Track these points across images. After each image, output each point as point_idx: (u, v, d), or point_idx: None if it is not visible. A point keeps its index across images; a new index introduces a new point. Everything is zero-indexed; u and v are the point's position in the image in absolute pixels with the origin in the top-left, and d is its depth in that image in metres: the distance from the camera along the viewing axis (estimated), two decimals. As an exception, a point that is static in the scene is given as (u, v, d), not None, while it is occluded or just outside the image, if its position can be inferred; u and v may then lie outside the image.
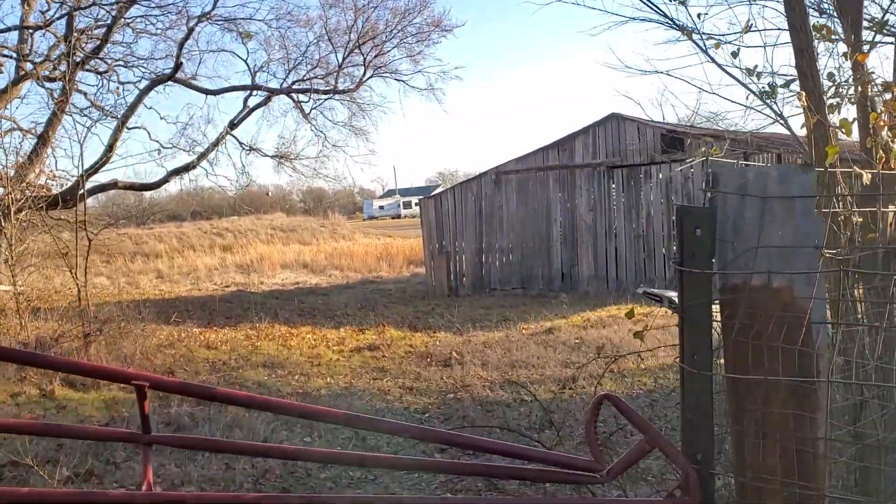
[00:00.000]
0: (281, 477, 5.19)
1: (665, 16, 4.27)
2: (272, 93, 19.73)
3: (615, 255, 17.39)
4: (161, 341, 11.05)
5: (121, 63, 18.06)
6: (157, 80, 17.95)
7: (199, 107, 41.03)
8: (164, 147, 18.48)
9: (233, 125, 19.27)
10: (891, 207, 2.90)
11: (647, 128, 16.92)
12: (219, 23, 18.67)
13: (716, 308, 2.22)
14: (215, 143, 18.94)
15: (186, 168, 18.77)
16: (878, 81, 3.97)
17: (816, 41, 3.23)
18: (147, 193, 29.79)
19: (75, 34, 16.08)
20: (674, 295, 2.66)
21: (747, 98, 3.86)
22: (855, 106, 3.74)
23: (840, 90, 3.67)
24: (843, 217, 2.90)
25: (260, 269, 25.69)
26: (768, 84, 3.36)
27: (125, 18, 17.13)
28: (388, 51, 20.28)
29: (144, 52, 21.65)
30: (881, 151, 3.12)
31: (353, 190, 72.05)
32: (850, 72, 3.57)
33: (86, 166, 14.99)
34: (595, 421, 2.21)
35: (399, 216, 69.27)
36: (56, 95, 15.86)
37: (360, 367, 9.91)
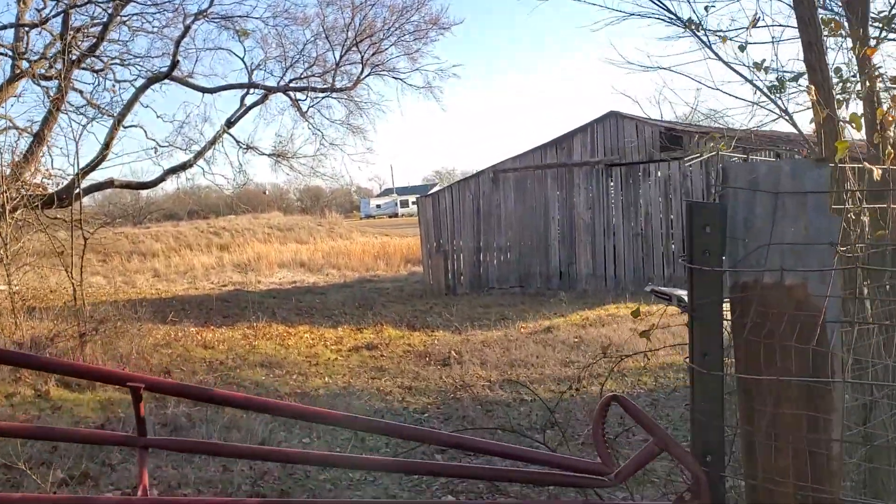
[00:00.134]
0: (279, 479, 5.12)
1: (668, 10, 4.21)
2: (269, 91, 19.65)
3: (613, 254, 17.35)
4: (157, 341, 10.97)
5: (117, 61, 17.98)
6: (154, 79, 17.85)
7: (196, 105, 40.87)
8: (160, 145, 18.43)
9: (230, 123, 19.19)
10: (901, 204, 2.85)
11: (645, 126, 16.87)
12: (215, 20, 18.60)
13: (725, 307, 2.16)
14: (212, 142, 18.87)
15: (183, 167, 18.69)
16: (887, 76, 3.92)
17: (825, 36, 3.17)
18: (144, 192, 29.68)
19: (71, 32, 16.00)
20: (683, 293, 2.62)
21: (755, 94, 3.80)
22: (862, 101, 3.69)
23: (847, 86, 3.62)
24: (851, 214, 2.84)
25: (257, 268, 25.62)
26: (777, 78, 3.30)
27: (121, 16, 17.04)
28: (386, 49, 20.21)
29: (141, 50, 21.53)
30: (889, 147, 3.06)
31: (351, 189, 72.01)
32: (857, 67, 3.52)
33: (82, 165, 14.98)
34: (603, 422, 2.15)
35: (396, 215, 69.20)
36: (52, 94, 15.77)
37: (358, 367, 9.84)
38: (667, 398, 7.34)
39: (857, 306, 2.83)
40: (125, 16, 17.26)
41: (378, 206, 74.19)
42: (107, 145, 16.46)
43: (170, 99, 78.60)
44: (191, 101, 51.77)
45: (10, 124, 15.70)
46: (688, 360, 2.27)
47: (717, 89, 4.34)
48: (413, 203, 56.13)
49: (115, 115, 17.06)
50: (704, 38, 4.43)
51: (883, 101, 3.97)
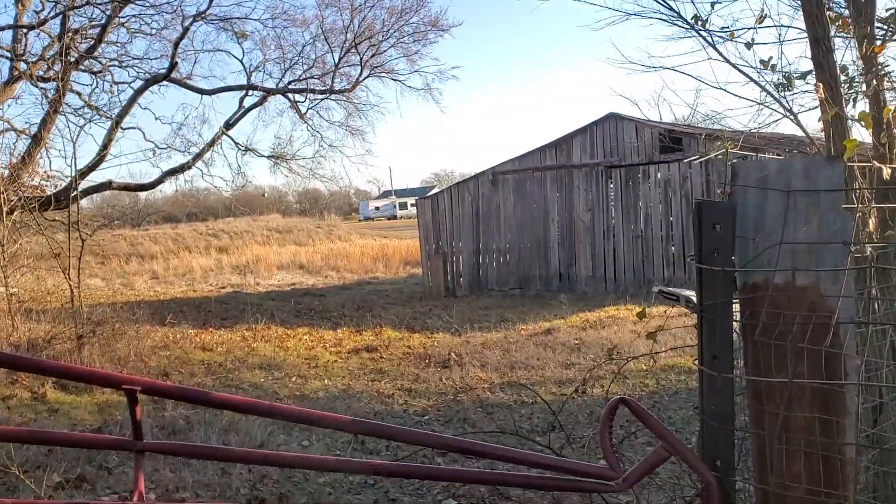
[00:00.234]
0: (278, 482, 5.06)
1: (671, 9, 4.16)
2: (268, 93, 19.59)
3: (613, 256, 17.31)
4: (156, 343, 10.91)
5: (115, 63, 17.92)
6: (152, 80, 17.79)
7: (195, 107, 40.92)
8: (159, 147, 18.36)
9: (228, 125, 19.14)
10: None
11: (644, 127, 16.84)
12: (214, 22, 18.54)
13: (734, 307, 2.12)
14: (211, 144, 18.80)
15: (182, 168, 18.63)
16: (894, 75, 3.87)
17: (832, 35, 3.12)
18: (142, 194, 29.60)
19: (69, 34, 15.95)
20: (691, 294, 2.57)
21: (761, 94, 3.75)
22: (868, 101, 3.64)
23: (853, 84, 3.57)
24: (860, 213, 2.80)
25: (256, 270, 25.58)
26: (784, 76, 3.26)
27: (119, 18, 16.99)
28: (385, 50, 20.15)
29: (139, 51, 21.54)
30: (896, 147, 3.03)
31: (350, 191, 71.90)
32: (863, 66, 3.47)
33: (80, 167, 14.92)
34: (610, 426, 2.11)
35: (395, 217, 69.21)
36: (50, 95, 15.72)
37: (357, 369, 9.79)
38: (669, 400, 7.29)
39: (866, 307, 2.79)
40: (123, 17, 17.23)
41: (377, 209, 74.18)
42: (105, 147, 16.41)
43: (168, 101, 78.65)
44: (189, 103, 51.49)
45: (9, 126, 15.66)
46: (696, 362, 2.23)
47: (722, 88, 4.28)
48: (412, 205, 56.13)
49: (113, 116, 17.01)
50: (708, 37, 4.38)
51: (889, 100, 3.92)
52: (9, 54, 15.61)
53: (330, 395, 8.29)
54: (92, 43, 16.79)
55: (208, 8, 17.91)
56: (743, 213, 2.04)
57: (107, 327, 9.76)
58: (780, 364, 1.99)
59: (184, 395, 2.20)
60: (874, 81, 3.49)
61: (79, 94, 17.37)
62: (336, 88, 19.82)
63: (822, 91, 2.92)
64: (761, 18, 3.48)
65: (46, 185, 14.58)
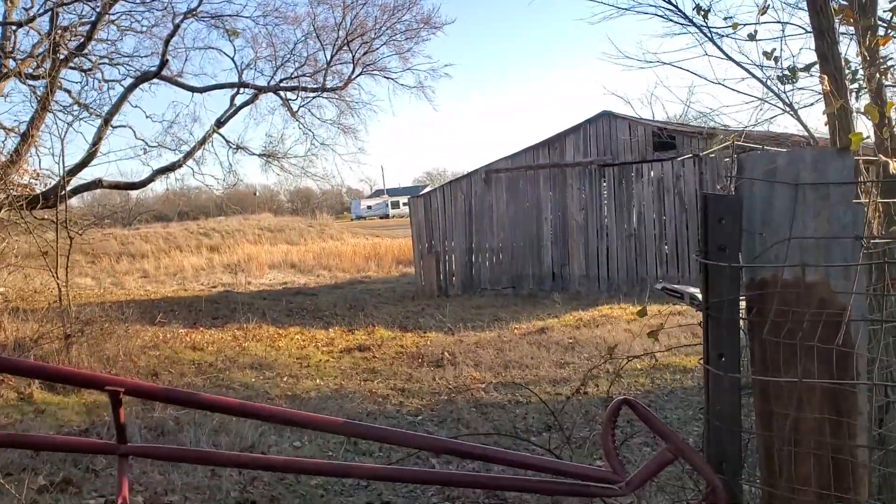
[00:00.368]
0: (269, 485, 4.96)
1: (671, 3, 4.10)
2: (259, 90, 19.47)
3: (606, 255, 17.27)
4: (145, 343, 10.79)
5: (105, 60, 17.78)
6: (143, 78, 17.66)
7: (186, 105, 40.77)
8: (149, 146, 18.22)
9: (219, 123, 19.00)
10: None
11: (638, 125, 16.80)
12: (205, 19, 18.42)
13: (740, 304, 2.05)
14: (202, 142, 18.67)
15: (172, 167, 18.48)
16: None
17: (837, 23, 3.06)
18: (133, 193, 29.45)
19: (59, 31, 15.79)
20: (695, 291, 2.50)
21: (763, 91, 3.69)
22: (867, 95, 3.58)
23: (856, 77, 3.51)
24: (867, 208, 2.73)
25: (247, 269, 25.47)
26: (788, 68, 3.19)
27: (109, 15, 16.83)
28: (377, 48, 20.06)
29: (129, 49, 21.36)
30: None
31: (342, 190, 71.85)
32: (865, 59, 3.41)
33: (69, 164, 14.80)
34: (613, 428, 2.04)
35: (387, 216, 69.12)
36: (39, 93, 15.57)
37: (350, 369, 9.69)
38: (665, 400, 7.23)
39: (874, 304, 2.72)
40: (114, 14, 17.07)
41: (369, 208, 74.09)
42: (95, 145, 16.27)
43: (159, 98, 78.34)
44: (180, 101, 51.68)
45: (-2, 124, 15.49)
46: (702, 361, 2.16)
47: (720, 83, 4.22)
48: (404, 204, 56.08)
49: (103, 114, 16.87)
50: (706, 31, 4.32)
51: (889, 95, 3.86)
52: (-2, 51, 15.47)
53: (322, 395, 8.20)
54: (82, 40, 16.63)
55: (199, 5, 17.80)
56: (750, 208, 1.98)
57: (95, 327, 9.64)
58: (788, 363, 1.92)
59: (169, 397, 2.11)
60: (878, 74, 3.42)
61: (68, 91, 17.26)
62: (328, 86, 19.72)
63: (826, 83, 2.86)
64: (764, 10, 3.42)
65: (36, 184, 14.46)
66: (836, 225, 1.90)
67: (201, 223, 38.85)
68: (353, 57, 19.56)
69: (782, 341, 1.94)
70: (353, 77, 19.91)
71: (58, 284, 9.76)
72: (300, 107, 20.16)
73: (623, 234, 17.05)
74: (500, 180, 18.58)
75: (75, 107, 16.77)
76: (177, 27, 17.65)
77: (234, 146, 19.70)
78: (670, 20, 5.53)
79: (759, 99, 4.07)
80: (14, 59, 15.82)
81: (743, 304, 2.05)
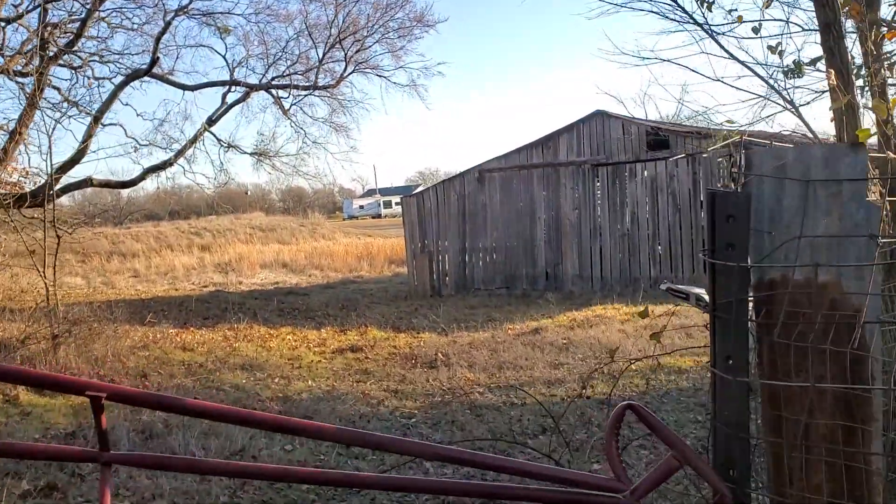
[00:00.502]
0: (260, 489, 4.86)
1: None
2: (251, 89, 19.36)
3: (600, 255, 17.21)
4: (135, 343, 10.66)
5: (95, 58, 17.65)
6: (133, 76, 17.52)
7: (177, 103, 40.77)
8: (140, 144, 18.09)
9: (211, 122, 18.88)
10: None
11: (631, 125, 16.76)
12: (196, 17, 18.31)
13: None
14: (193, 140, 18.54)
15: (163, 165, 18.34)
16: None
17: (843, 17, 2.98)
18: (124, 192, 29.30)
19: (48, 28, 15.64)
20: (701, 291, 2.43)
21: (764, 88, 3.62)
22: (871, 91, 3.51)
23: (860, 73, 3.44)
24: (884, 206, 2.67)
25: (238, 268, 25.34)
26: (794, 62, 3.12)
27: (99, 12, 16.69)
28: (370, 46, 19.97)
29: (120, 46, 21.23)
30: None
31: (333, 189, 71.79)
32: (863, 56, 3.35)
33: (58, 162, 14.65)
34: (617, 434, 1.96)
35: (379, 216, 69.03)
36: (28, 90, 15.41)
37: (342, 370, 9.59)
38: (660, 401, 7.16)
39: (885, 305, 2.65)
40: (104, 11, 16.95)
41: (361, 207, 73.97)
42: (84, 143, 16.12)
43: (150, 96, 78.02)
44: (171, 99, 51.39)
45: (-14, 121, 15.32)
46: (709, 364, 2.08)
47: (720, 80, 4.15)
48: (396, 204, 56.00)
49: (93, 112, 16.73)
50: (707, 28, 4.24)
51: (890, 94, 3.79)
52: (-14, 48, 15.31)
53: (314, 396, 8.09)
54: (71, 37, 16.48)
55: (190, 2, 17.70)
56: (758, 205, 1.90)
57: (83, 327, 9.51)
58: (800, 366, 1.84)
59: (153, 402, 2.02)
60: (882, 70, 3.36)
61: (58, 89, 17.11)
62: (320, 84, 19.63)
63: (833, 78, 2.79)
64: (768, 2, 3.34)
65: (25, 182, 14.31)
66: (849, 223, 1.82)
67: (192, 222, 38.69)
68: (346, 55, 19.50)
69: (793, 344, 1.87)
70: (345, 75, 19.85)
71: (45, 284, 9.62)
72: (292, 105, 20.08)
73: (616, 233, 17.00)
74: (493, 180, 18.50)
75: (65, 104, 16.62)
76: (168, 24, 17.54)
77: (225, 145, 19.61)
78: (667, 17, 5.46)
79: (760, 96, 4.01)
80: (2, 56, 15.66)
81: (750, 305, 1.99)
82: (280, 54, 19.43)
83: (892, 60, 3.43)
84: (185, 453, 5.51)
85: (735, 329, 1.95)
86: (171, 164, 18.31)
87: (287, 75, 19.57)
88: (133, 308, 14.80)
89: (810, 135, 4.10)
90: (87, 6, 16.14)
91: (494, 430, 6.38)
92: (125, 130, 18.76)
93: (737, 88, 4.64)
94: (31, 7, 15.90)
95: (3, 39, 15.95)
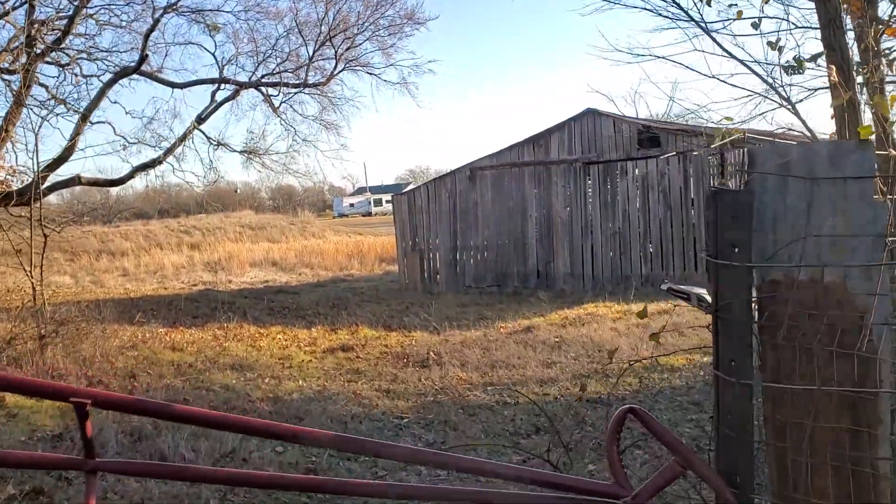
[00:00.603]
0: (251, 492, 4.79)
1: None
2: (241, 86, 19.24)
3: (591, 253, 17.20)
4: (123, 343, 10.56)
5: (83, 55, 17.49)
6: (122, 73, 17.37)
7: (166, 101, 40.51)
8: (129, 142, 17.95)
9: (200, 120, 18.75)
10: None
11: (622, 123, 16.74)
12: (186, 14, 18.19)
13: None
14: (182, 138, 18.41)
15: (153, 164, 18.20)
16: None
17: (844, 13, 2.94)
18: (113, 191, 29.15)
19: (35, 25, 15.48)
20: (702, 291, 2.38)
21: (765, 88, 3.58)
22: (867, 88, 3.47)
23: (858, 70, 3.41)
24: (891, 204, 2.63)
25: (228, 267, 25.21)
26: (794, 58, 3.08)
27: (87, 9, 16.55)
28: (360, 44, 19.86)
29: (108, 44, 21.06)
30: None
31: (324, 187, 71.65)
32: (871, 51, 3.31)
33: (46, 160, 14.50)
34: (618, 440, 1.92)
35: (370, 214, 68.90)
36: (15, 88, 15.25)
37: (333, 369, 9.51)
38: (653, 400, 7.13)
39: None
40: (92, 8, 16.79)
41: (351, 205, 73.84)
42: (72, 141, 15.98)
43: (139, 94, 77.59)
44: (160, 97, 50.95)
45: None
46: (713, 366, 2.04)
47: (716, 78, 4.11)
48: (387, 202, 55.92)
49: (81, 110, 16.59)
50: (703, 25, 4.20)
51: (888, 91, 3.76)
52: (-29, 45, 15.14)
53: (305, 396, 8.02)
54: (59, 35, 16.33)
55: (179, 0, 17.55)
56: (761, 204, 1.85)
57: (71, 327, 9.40)
58: (804, 369, 1.80)
59: (141, 408, 1.96)
60: (882, 66, 3.32)
61: (45, 86, 16.95)
62: (310, 82, 19.52)
63: (834, 74, 2.74)
64: (766, -1, 3.30)
65: (12, 180, 14.16)
66: (856, 222, 1.78)
67: (182, 221, 38.54)
68: (336, 52, 19.39)
69: (798, 346, 1.83)
70: (335, 73, 19.74)
71: (32, 283, 9.51)
72: (282, 103, 19.97)
73: (608, 231, 16.98)
74: (484, 178, 18.46)
75: (52, 102, 16.47)
76: (157, 22, 17.40)
77: (214, 143, 19.50)
78: (660, 14, 5.43)
79: (757, 94, 3.96)
80: (-12, 53, 15.49)
81: (753, 306, 1.94)
82: (270, 52, 19.34)
83: (892, 57, 3.39)
84: (174, 455, 5.44)
85: (739, 330, 1.91)
86: (160, 163, 18.18)
87: (277, 73, 19.47)
88: (122, 307, 14.68)
89: (807, 132, 4.06)
90: (75, 3, 16.00)
91: (488, 430, 6.34)
92: (114, 128, 18.64)
93: (732, 85, 4.60)
94: (17, 4, 15.75)
95: (-11, 36, 15.80)
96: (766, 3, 3.28)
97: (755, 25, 3.26)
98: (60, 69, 17.22)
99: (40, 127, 14.39)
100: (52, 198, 22.02)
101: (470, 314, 13.81)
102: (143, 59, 17.21)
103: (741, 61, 4.08)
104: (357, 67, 20.16)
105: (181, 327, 12.86)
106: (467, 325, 12.28)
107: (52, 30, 16.61)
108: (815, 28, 3.42)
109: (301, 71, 19.41)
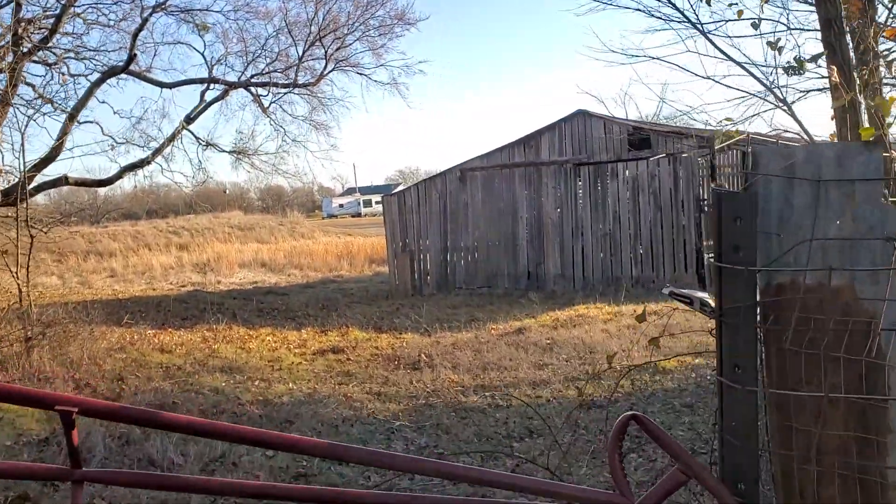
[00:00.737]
0: (241, 500, 4.73)
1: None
2: (230, 86, 19.13)
3: (582, 254, 17.19)
4: (111, 345, 10.44)
5: (71, 55, 17.34)
6: (110, 73, 17.24)
7: (154, 100, 40.29)
8: (117, 142, 17.82)
9: (189, 120, 18.64)
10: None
11: (613, 124, 16.73)
12: (174, 13, 18.08)
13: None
14: (171, 139, 18.29)
15: (141, 164, 18.07)
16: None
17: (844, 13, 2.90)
18: (101, 191, 28.93)
19: (22, 23, 15.34)
20: (705, 296, 2.34)
21: (762, 91, 3.55)
22: (863, 89, 3.45)
23: (858, 72, 3.38)
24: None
25: (217, 268, 25.07)
26: (794, 59, 3.04)
27: (75, 8, 16.41)
28: (350, 44, 19.79)
29: (96, 43, 20.92)
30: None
31: (313, 188, 71.47)
32: (870, 52, 3.28)
33: (32, 160, 14.35)
34: (620, 447, 1.86)
35: (359, 214, 68.77)
36: (1, 87, 15.10)
37: (323, 372, 9.44)
38: (646, 402, 7.09)
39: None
40: (79, 7, 16.66)
41: (341, 206, 73.68)
42: (60, 140, 15.84)
43: (127, 94, 77.18)
44: (149, 97, 50.79)
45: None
46: (716, 372, 2.00)
47: (710, 78, 4.08)
48: (377, 203, 55.80)
49: (68, 109, 16.45)
50: (700, 26, 4.17)
51: (886, 92, 3.73)
52: (-43, 44, 14.98)
53: (295, 399, 7.94)
54: (46, 33, 16.18)
55: (168, -1, 17.43)
56: (765, 206, 1.81)
57: (58, 329, 9.29)
58: (811, 375, 1.76)
59: (128, 416, 1.90)
60: (882, 67, 3.29)
61: (32, 85, 16.79)
62: (300, 82, 19.43)
63: (835, 74, 2.70)
64: (766, -2, 3.26)
65: (-1, 181, 14.01)
66: (863, 225, 1.74)
67: (170, 221, 38.35)
68: (326, 53, 19.32)
69: (804, 351, 1.78)
70: (325, 73, 19.66)
71: (18, 284, 9.39)
72: (271, 103, 19.87)
73: (598, 233, 16.98)
74: (475, 179, 18.42)
75: (39, 101, 16.33)
76: (145, 21, 17.29)
77: (203, 143, 19.38)
78: (653, 15, 5.40)
79: (753, 95, 3.93)
80: (-26, 52, 15.33)
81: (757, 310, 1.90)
82: (259, 52, 19.25)
83: (891, 58, 3.36)
84: (163, 460, 5.37)
85: (743, 335, 1.87)
86: (148, 163, 18.05)
87: (267, 73, 19.38)
88: (110, 308, 14.55)
89: (804, 133, 4.03)
90: (63, 2, 15.86)
91: (480, 434, 6.29)
92: (102, 128, 18.47)
93: (727, 87, 4.57)
94: (4, 2, 15.61)
95: (-25, 35, 15.62)
96: (766, 2, 3.27)
97: (755, 25, 3.23)
98: (48, 68, 17.08)
99: (27, 126, 14.22)
100: (40, 198, 21.83)
101: (461, 316, 13.75)
102: (132, 58, 17.09)
103: (737, 62, 4.05)
104: (347, 68, 20.11)
105: (170, 329, 12.75)
106: (458, 327, 12.22)
107: (39, 28, 16.46)
108: (812, 30, 3.38)
109: (291, 71, 19.33)
